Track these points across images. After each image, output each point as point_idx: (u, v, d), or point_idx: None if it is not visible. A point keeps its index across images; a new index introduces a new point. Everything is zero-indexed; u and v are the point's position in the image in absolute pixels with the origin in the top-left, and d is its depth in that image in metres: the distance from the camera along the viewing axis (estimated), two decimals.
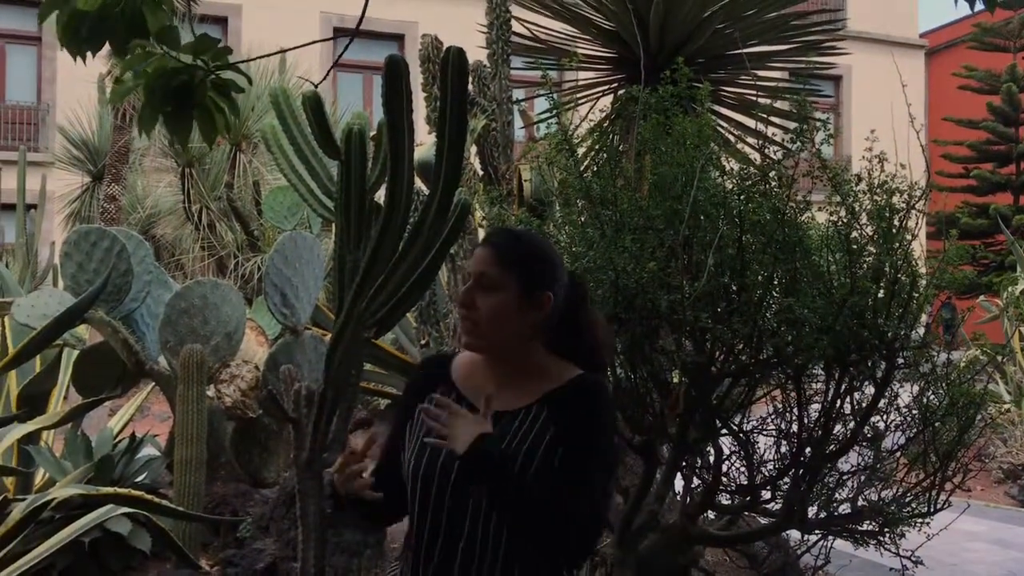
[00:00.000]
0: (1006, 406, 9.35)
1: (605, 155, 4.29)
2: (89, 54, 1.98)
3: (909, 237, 3.65)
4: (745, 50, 6.43)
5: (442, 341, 5.12)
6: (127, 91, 1.91)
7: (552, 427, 1.79)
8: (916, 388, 3.81)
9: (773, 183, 3.71)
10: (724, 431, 3.85)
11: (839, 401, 3.71)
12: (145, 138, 11.23)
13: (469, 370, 1.94)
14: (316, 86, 3.06)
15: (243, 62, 2.69)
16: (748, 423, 3.91)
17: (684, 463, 3.97)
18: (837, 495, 3.90)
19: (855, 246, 3.61)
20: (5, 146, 17.32)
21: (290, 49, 2.91)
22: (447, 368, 1.97)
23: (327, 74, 2.81)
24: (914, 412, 3.80)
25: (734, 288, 3.56)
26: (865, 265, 3.62)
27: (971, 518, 5.96)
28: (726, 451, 3.91)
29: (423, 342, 5.43)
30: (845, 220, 3.65)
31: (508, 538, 1.77)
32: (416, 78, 5.56)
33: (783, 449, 3.85)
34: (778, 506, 3.91)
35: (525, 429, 1.80)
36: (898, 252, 3.58)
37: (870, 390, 3.72)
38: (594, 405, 1.82)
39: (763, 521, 4.26)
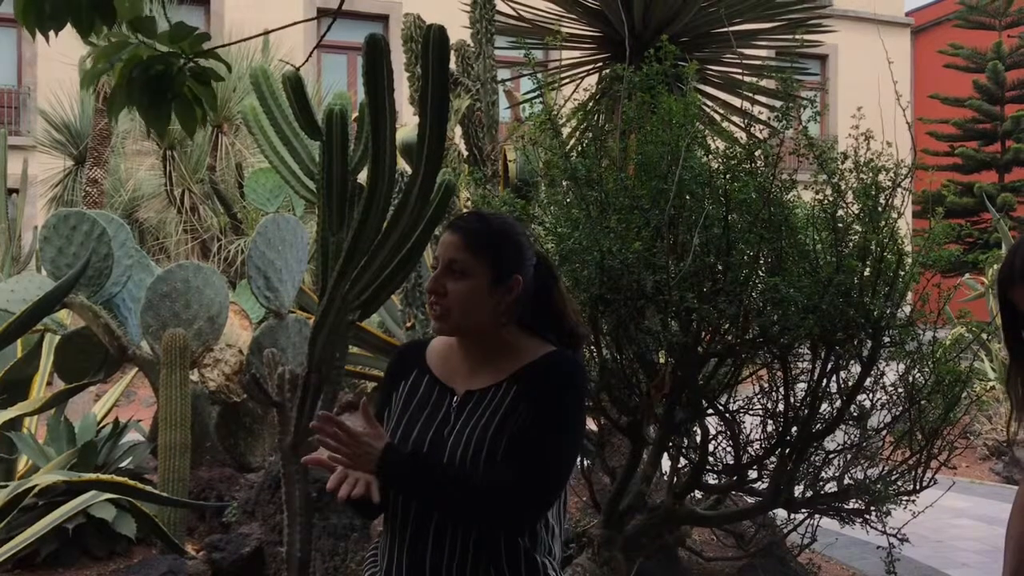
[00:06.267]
0: (991, 383, 9.39)
1: (590, 135, 4.26)
2: (54, 34, 1.92)
3: (895, 215, 3.63)
4: (730, 28, 6.39)
5: (428, 323, 5.09)
6: (97, 74, 1.87)
7: (521, 403, 1.79)
8: (902, 366, 3.81)
9: (759, 162, 3.69)
10: (710, 411, 3.85)
11: (825, 380, 3.70)
12: (127, 121, 11.13)
13: (444, 354, 1.95)
14: (298, 69, 3.01)
15: (226, 45, 2.64)
16: (734, 403, 3.91)
17: (671, 443, 3.97)
18: (823, 474, 3.90)
19: (841, 225, 3.59)
20: None
21: (273, 31, 2.86)
22: (422, 354, 1.98)
23: (309, 56, 2.76)
24: (900, 390, 3.80)
25: (720, 268, 3.54)
26: (851, 244, 3.61)
27: (957, 495, 5.99)
28: (712, 431, 3.90)
29: (409, 324, 5.40)
30: (831, 199, 3.63)
31: None
32: (399, 58, 5.52)
33: (769, 428, 3.85)
34: (765, 485, 3.91)
35: (494, 407, 1.81)
36: (884, 230, 3.57)
37: (856, 369, 3.72)
38: (560, 380, 1.82)
39: (750, 500, 4.26)
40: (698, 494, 4.35)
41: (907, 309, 3.79)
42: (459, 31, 5.72)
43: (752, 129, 4.75)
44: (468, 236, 1.86)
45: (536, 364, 1.85)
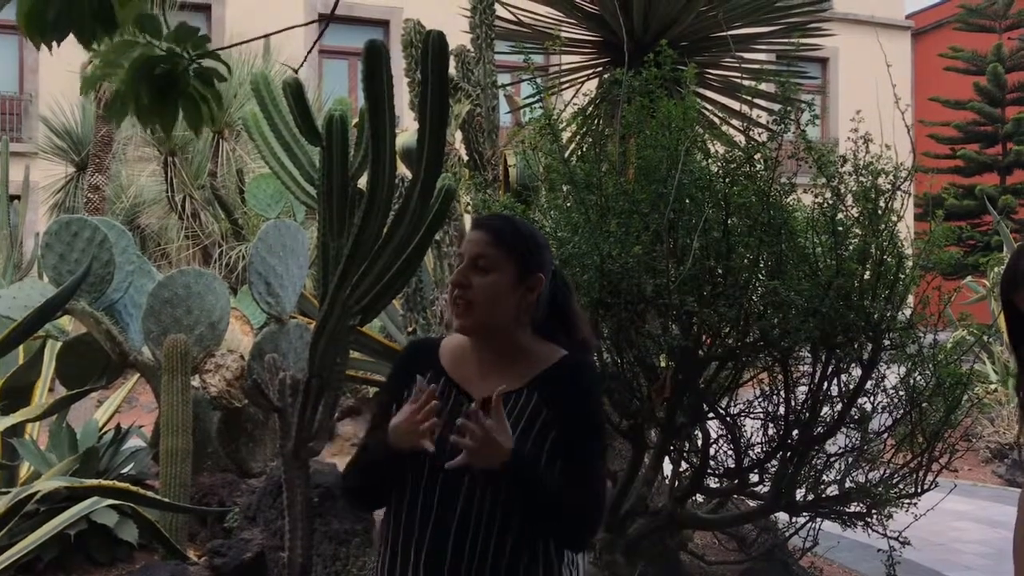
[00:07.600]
0: (993, 386, 9.38)
1: (590, 139, 4.26)
2: (56, 44, 1.92)
3: (895, 218, 3.63)
4: (730, 32, 6.39)
5: (429, 328, 5.10)
6: (97, 79, 1.87)
7: (544, 410, 1.80)
8: (903, 369, 3.81)
9: (758, 165, 3.69)
10: (711, 415, 3.85)
11: (826, 383, 3.70)
12: (128, 127, 11.15)
13: (457, 356, 1.93)
14: (296, 71, 3.02)
15: (226, 48, 2.65)
16: (735, 406, 3.90)
17: (672, 447, 3.96)
18: (825, 477, 3.90)
19: (841, 228, 3.59)
20: None
21: (272, 34, 2.86)
22: (435, 354, 1.96)
23: (304, 59, 2.77)
24: (901, 393, 3.80)
25: (720, 271, 3.54)
26: (851, 247, 3.61)
27: (958, 498, 5.98)
28: (714, 435, 3.90)
29: (410, 329, 5.40)
30: (831, 202, 3.64)
31: (501, 515, 1.78)
32: (399, 64, 5.52)
33: (770, 432, 3.84)
34: (766, 489, 3.91)
35: (517, 414, 1.81)
36: (884, 233, 3.57)
37: (857, 372, 3.72)
38: (585, 385, 1.84)
39: (751, 504, 4.26)
40: (699, 498, 4.35)
41: (908, 312, 3.79)
42: (459, 36, 5.72)
43: (751, 133, 4.76)
44: (495, 233, 1.88)
45: (557, 370, 1.85)
